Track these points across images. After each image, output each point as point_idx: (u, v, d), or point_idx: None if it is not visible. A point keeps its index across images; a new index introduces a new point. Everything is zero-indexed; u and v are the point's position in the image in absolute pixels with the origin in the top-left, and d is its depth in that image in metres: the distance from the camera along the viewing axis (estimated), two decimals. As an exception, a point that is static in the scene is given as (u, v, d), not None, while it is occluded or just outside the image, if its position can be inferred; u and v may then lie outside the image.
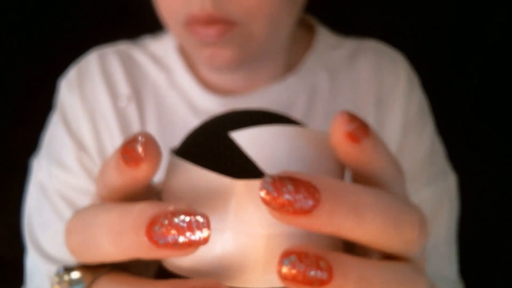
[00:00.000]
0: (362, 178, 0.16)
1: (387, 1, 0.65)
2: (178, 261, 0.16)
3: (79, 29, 0.65)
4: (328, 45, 0.47)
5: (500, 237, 0.68)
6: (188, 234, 0.14)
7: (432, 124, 0.47)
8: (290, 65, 0.45)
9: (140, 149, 0.15)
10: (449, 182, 0.46)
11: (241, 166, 0.16)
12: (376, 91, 0.45)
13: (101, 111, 0.43)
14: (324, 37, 0.47)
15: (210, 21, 0.34)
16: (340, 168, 0.17)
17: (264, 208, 0.15)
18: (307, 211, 0.13)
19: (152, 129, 0.43)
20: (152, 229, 0.14)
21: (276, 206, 0.13)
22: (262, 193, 0.14)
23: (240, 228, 0.15)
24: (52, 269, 0.40)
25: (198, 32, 0.34)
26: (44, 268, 0.40)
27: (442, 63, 0.66)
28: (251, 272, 0.15)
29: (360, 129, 0.15)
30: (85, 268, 0.17)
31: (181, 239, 0.14)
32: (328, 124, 0.16)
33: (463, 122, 0.66)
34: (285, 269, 0.14)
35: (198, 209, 0.15)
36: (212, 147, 0.17)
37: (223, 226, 0.15)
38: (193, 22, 0.34)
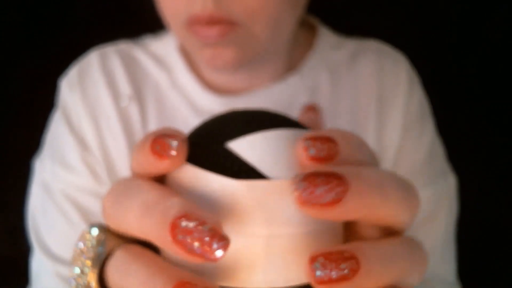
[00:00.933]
0: None
1: (388, 1, 0.65)
2: (180, 260, 0.16)
3: (79, 28, 0.65)
4: (329, 45, 0.47)
5: (500, 238, 0.68)
6: (205, 247, 0.14)
7: (432, 124, 0.47)
8: (291, 65, 0.45)
9: (174, 147, 0.16)
10: (449, 183, 0.46)
11: (241, 167, 0.16)
12: (377, 91, 0.45)
13: (103, 110, 0.43)
14: (325, 37, 0.47)
15: (212, 21, 0.33)
16: None
17: (264, 209, 0.15)
18: (338, 199, 0.14)
19: (153, 128, 0.43)
20: (178, 223, 0.14)
21: (313, 202, 0.14)
22: (296, 193, 0.14)
23: (240, 229, 0.15)
24: (60, 269, 0.40)
25: (199, 33, 0.34)
26: (52, 268, 0.40)
27: (443, 63, 0.66)
28: (252, 273, 0.15)
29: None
30: (112, 233, 0.18)
31: (197, 247, 0.14)
32: (329, 124, 0.16)
33: (463, 123, 0.66)
34: (319, 273, 0.14)
35: (198, 209, 0.15)
36: (212, 148, 0.17)
37: (223, 227, 0.15)
38: (194, 23, 0.34)
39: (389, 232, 0.17)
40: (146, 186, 0.16)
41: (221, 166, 0.16)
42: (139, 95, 0.44)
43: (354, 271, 0.14)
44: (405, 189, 0.16)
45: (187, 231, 0.14)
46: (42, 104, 0.50)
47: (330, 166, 0.15)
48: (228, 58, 0.36)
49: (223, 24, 0.34)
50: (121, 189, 0.17)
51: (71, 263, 0.18)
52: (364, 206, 0.14)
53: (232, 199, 0.15)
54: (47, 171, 0.43)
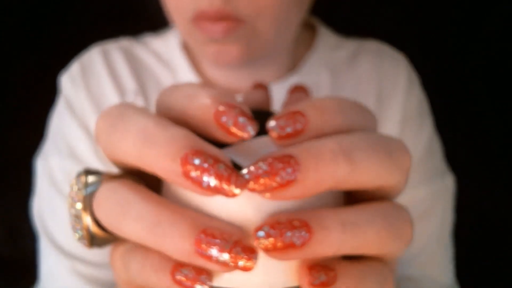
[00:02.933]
0: None
1: (388, 1, 0.65)
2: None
3: (79, 26, 0.65)
4: (329, 45, 0.47)
5: (500, 239, 0.68)
6: (223, 183, 0.13)
7: (431, 124, 0.47)
8: (292, 65, 0.45)
9: (244, 124, 0.15)
10: (446, 182, 0.46)
11: (240, 168, 0.16)
12: (377, 90, 0.45)
13: (108, 105, 0.43)
14: (326, 37, 0.47)
15: (219, 17, 0.34)
16: None
17: (261, 208, 0.15)
18: (291, 180, 0.14)
19: None
20: (189, 157, 0.14)
21: (260, 189, 0.14)
22: (249, 186, 0.14)
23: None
24: (76, 265, 0.40)
25: (205, 28, 0.34)
26: (68, 265, 0.40)
27: (443, 63, 0.66)
28: (250, 274, 0.15)
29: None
30: (105, 174, 0.18)
31: (213, 182, 0.13)
32: None
33: (463, 123, 0.66)
34: (262, 241, 0.14)
35: (196, 210, 0.15)
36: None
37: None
38: (201, 18, 0.34)
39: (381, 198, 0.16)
40: (143, 111, 0.15)
41: None
42: (143, 91, 0.44)
43: (303, 242, 0.14)
44: (384, 151, 0.15)
45: (202, 169, 0.13)
46: (42, 104, 0.50)
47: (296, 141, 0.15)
48: (233, 55, 0.36)
49: (229, 20, 0.34)
50: (115, 113, 0.16)
51: (68, 211, 0.18)
52: (325, 179, 0.14)
53: (229, 200, 0.15)
54: (53, 167, 0.42)
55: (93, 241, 0.17)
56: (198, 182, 0.14)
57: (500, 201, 0.67)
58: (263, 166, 0.14)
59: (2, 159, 0.66)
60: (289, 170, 0.13)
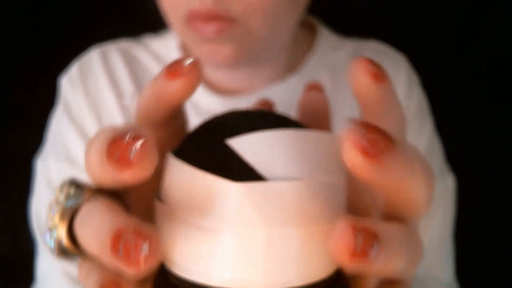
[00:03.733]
0: None
1: (388, 1, 0.65)
2: (180, 261, 0.16)
3: (79, 27, 0.65)
4: (329, 45, 0.47)
5: (500, 239, 0.68)
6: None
7: (431, 124, 0.47)
8: (292, 65, 0.45)
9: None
10: (447, 183, 0.46)
11: (240, 169, 0.16)
12: None
13: (106, 108, 0.43)
14: (325, 38, 0.47)
15: (210, 17, 0.34)
16: (343, 169, 0.17)
17: (263, 211, 0.15)
18: (378, 152, 0.14)
19: None
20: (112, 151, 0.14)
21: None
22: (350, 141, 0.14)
23: (239, 230, 0.15)
24: (68, 268, 0.40)
25: (198, 28, 0.34)
26: (60, 268, 0.40)
27: (443, 63, 0.66)
28: (251, 274, 0.15)
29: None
30: (88, 188, 0.18)
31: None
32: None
33: (463, 123, 0.66)
34: (354, 245, 0.14)
35: (196, 211, 0.15)
36: (211, 149, 0.17)
37: (222, 228, 0.15)
38: (193, 18, 0.34)
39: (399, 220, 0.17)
40: (99, 133, 0.16)
41: (220, 167, 0.16)
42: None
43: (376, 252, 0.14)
44: (428, 168, 0.15)
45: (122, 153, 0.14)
46: (42, 104, 0.50)
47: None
48: (226, 55, 0.36)
49: (221, 20, 0.34)
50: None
51: (45, 222, 0.18)
52: (396, 173, 0.14)
53: (231, 201, 0.15)
54: (51, 169, 0.42)
55: (62, 254, 0.18)
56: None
57: (500, 201, 0.67)
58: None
59: (2, 159, 0.66)
60: (382, 144, 0.14)
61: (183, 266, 0.16)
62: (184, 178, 0.16)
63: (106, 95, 0.43)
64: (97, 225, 0.15)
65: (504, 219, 0.67)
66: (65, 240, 0.17)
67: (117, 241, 0.14)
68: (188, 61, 0.16)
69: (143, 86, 0.45)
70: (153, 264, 0.14)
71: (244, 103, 0.43)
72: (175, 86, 0.16)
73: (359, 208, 0.19)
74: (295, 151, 0.16)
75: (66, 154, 0.42)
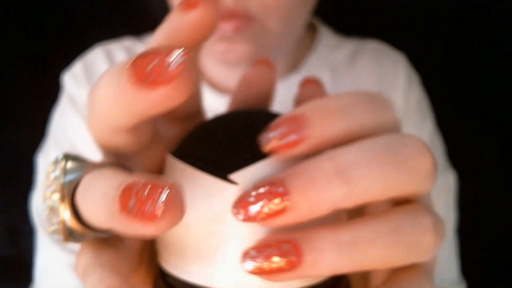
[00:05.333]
0: None
1: (388, 1, 0.65)
2: (180, 263, 0.16)
3: (78, 26, 0.65)
4: (330, 45, 0.47)
5: (502, 237, 0.68)
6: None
7: (432, 122, 0.47)
8: (293, 64, 0.45)
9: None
10: (448, 180, 0.46)
11: (239, 169, 0.16)
12: (375, 90, 0.45)
13: None
14: (326, 37, 0.47)
15: (229, 15, 0.34)
16: None
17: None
18: (280, 210, 0.13)
19: None
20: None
21: (250, 220, 0.13)
22: (234, 214, 0.14)
23: (241, 232, 0.15)
24: (70, 258, 0.40)
25: (216, 26, 0.34)
26: (66, 260, 0.40)
27: (443, 63, 0.66)
28: (253, 276, 0.15)
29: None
30: (87, 162, 0.16)
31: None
32: None
33: (464, 122, 0.66)
34: (248, 267, 0.13)
35: (197, 212, 0.15)
36: (211, 150, 0.16)
37: (223, 229, 0.15)
38: None
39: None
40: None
41: (220, 168, 0.16)
42: None
43: (292, 266, 0.13)
44: (392, 160, 0.13)
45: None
46: (42, 103, 0.50)
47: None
48: (241, 53, 0.36)
49: (240, 18, 0.34)
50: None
51: (42, 204, 0.16)
52: (319, 204, 0.13)
53: (229, 203, 0.15)
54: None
55: (69, 236, 0.15)
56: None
57: (501, 199, 0.67)
58: (250, 197, 0.13)
59: (2, 158, 0.66)
60: (277, 201, 0.13)
61: (184, 268, 0.16)
62: (184, 179, 0.16)
63: None
64: (102, 189, 0.13)
65: (505, 217, 0.67)
66: (70, 220, 0.15)
67: (127, 198, 0.12)
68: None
69: None
70: (175, 216, 0.12)
71: None
72: (193, 16, 0.14)
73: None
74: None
75: (70, 145, 0.42)
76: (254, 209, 0.13)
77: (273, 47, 0.38)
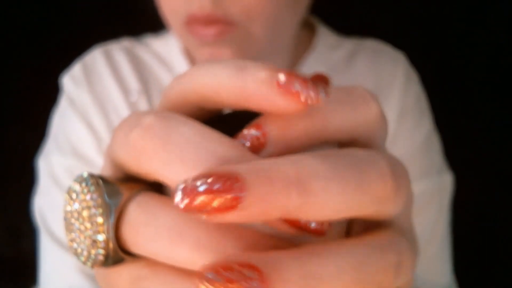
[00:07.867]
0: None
1: (388, 1, 0.65)
2: None
3: (78, 27, 0.65)
4: (328, 45, 0.47)
5: (499, 238, 0.68)
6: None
7: (430, 120, 0.47)
8: (291, 63, 0.45)
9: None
10: (443, 180, 0.45)
11: None
12: (374, 88, 0.45)
13: (113, 105, 0.43)
14: (325, 37, 0.47)
15: (209, 21, 0.34)
16: None
17: None
18: (231, 207, 0.12)
19: None
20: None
21: (194, 211, 0.12)
22: (176, 200, 0.12)
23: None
24: (77, 261, 0.40)
25: (197, 32, 0.34)
26: (74, 263, 0.40)
27: (443, 63, 0.66)
28: None
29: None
30: (119, 183, 0.15)
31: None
32: None
33: (464, 122, 0.66)
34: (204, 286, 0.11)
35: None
36: None
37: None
38: (192, 22, 0.34)
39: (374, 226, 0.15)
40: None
41: None
42: (146, 90, 0.44)
43: None
44: (355, 179, 0.13)
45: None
46: (42, 104, 0.50)
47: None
48: (226, 58, 0.36)
49: (220, 23, 0.34)
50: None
51: (68, 239, 0.15)
52: (271, 209, 0.12)
53: None
54: (54, 164, 0.42)
55: (106, 262, 0.14)
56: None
57: (499, 200, 0.67)
58: (201, 186, 0.12)
59: (2, 159, 0.66)
60: (230, 196, 0.11)
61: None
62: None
63: (112, 92, 0.43)
64: (165, 222, 0.13)
65: (503, 218, 0.67)
66: (112, 246, 0.14)
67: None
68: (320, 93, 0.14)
69: (148, 83, 0.45)
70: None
71: None
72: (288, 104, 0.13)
73: None
74: None
75: (70, 148, 0.42)
76: (201, 199, 0.12)
77: (260, 51, 0.38)
